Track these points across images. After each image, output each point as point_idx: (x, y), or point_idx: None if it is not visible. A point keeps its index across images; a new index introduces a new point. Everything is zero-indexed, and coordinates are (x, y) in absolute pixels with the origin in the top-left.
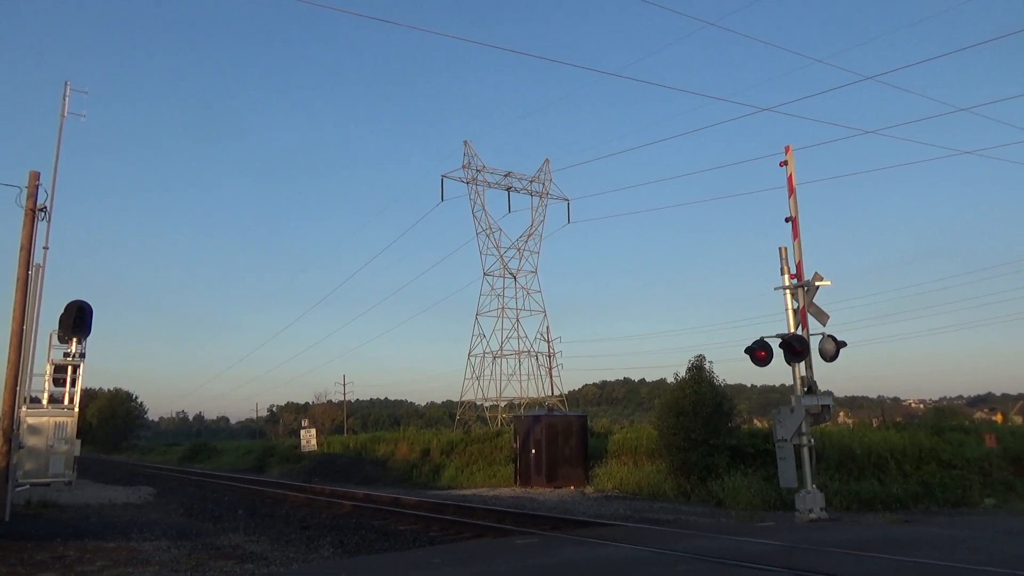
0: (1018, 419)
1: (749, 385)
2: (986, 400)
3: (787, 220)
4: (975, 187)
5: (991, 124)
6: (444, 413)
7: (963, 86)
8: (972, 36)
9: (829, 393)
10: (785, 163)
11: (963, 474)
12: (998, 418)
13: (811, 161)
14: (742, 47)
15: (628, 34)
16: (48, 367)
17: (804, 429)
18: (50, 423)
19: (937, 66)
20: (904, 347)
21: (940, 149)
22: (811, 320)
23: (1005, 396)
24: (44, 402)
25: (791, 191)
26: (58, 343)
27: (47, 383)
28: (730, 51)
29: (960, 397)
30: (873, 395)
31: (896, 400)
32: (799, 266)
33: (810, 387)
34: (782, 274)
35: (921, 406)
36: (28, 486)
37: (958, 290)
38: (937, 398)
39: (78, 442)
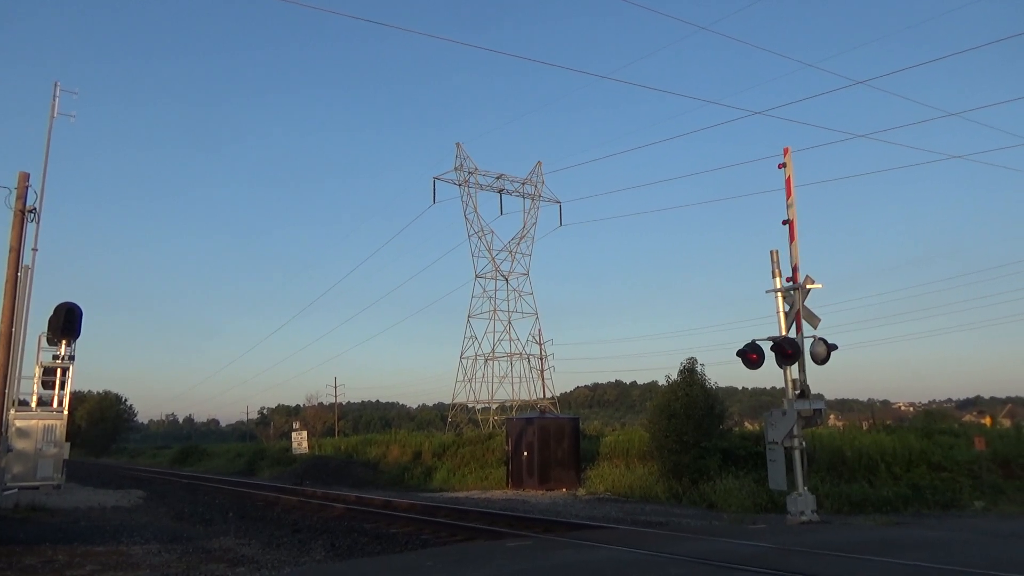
0: (1006, 422)
1: (740, 388)
2: (975, 403)
3: (784, 223)
4: (964, 191)
5: (980, 128)
6: (436, 416)
7: (953, 91)
8: (960, 42)
9: (820, 397)
10: (784, 165)
11: (952, 477)
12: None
13: (802, 164)
14: (734, 51)
15: (620, 37)
16: (37, 370)
17: (796, 432)
18: (39, 426)
19: (926, 71)
20: (894, 350)
21: (929, 153)
22: (803, 323)
23: (993, 399)
24: (33, 405)
25: (789, 193)
26: (47, 345)
27: (36, 386)
28: (722, 55)
29: (949, 400)
30: (863, 398)
31: (886, 403)
32: (795, 269)
33: (803, 391)
34: (774, 277)
35: (911, 409)
36: (16, 490)
37: (947, 294)
38: (926, 401)
39: (67, 445)
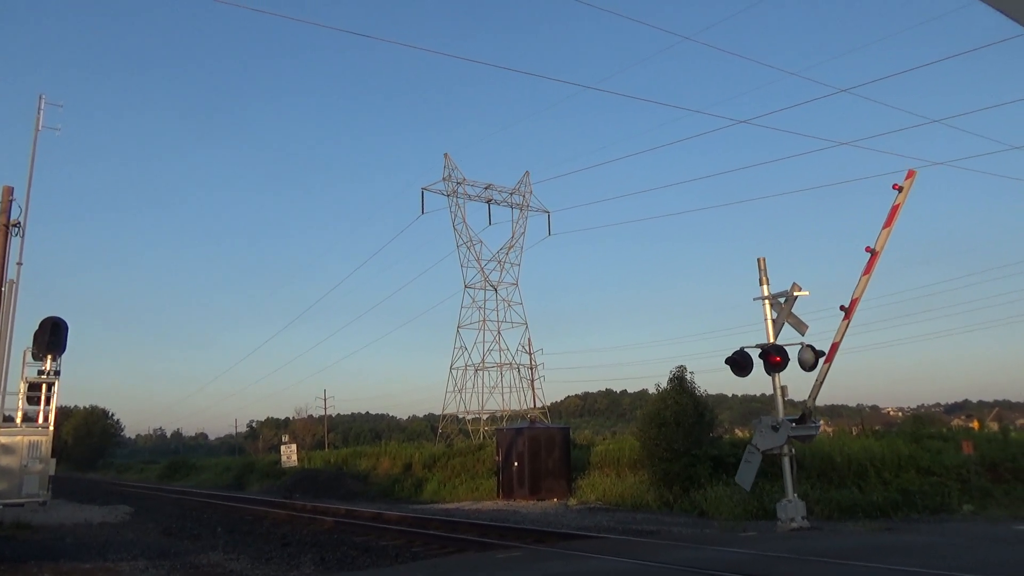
0: (994, 426)
1: (730, 395)
2: (963, 407)
3: (868, 250)
4: (949, 197)
5: (962, 135)
6: (426, 427)
7: (935, 98)
8: (941, 50)
9: (817, 424)
10: (900, 188)
11: (942, 481)
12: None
13: (786, 172)
14: (719, 61)
15: (607, 47)
16: (22, 385)
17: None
18: (24, 442)
19: (908, 79)
20: (882, 355)
21: (913, 160)
22: (789, 330)
23: (981, 403)
24: (18, 421)
25: (890, 220)
26: (32, 360)
27: (21, 401)
28: (707, 64)
29: (937, 405)
30: (852, 403)
31: (875, 408)
32: (854, 302)
33: (803, 415)
34: (761, 284)
35: (899, 414)
36: (1, 507)
37: (935, 299)
38: (915, 406)
39: (53, 461)
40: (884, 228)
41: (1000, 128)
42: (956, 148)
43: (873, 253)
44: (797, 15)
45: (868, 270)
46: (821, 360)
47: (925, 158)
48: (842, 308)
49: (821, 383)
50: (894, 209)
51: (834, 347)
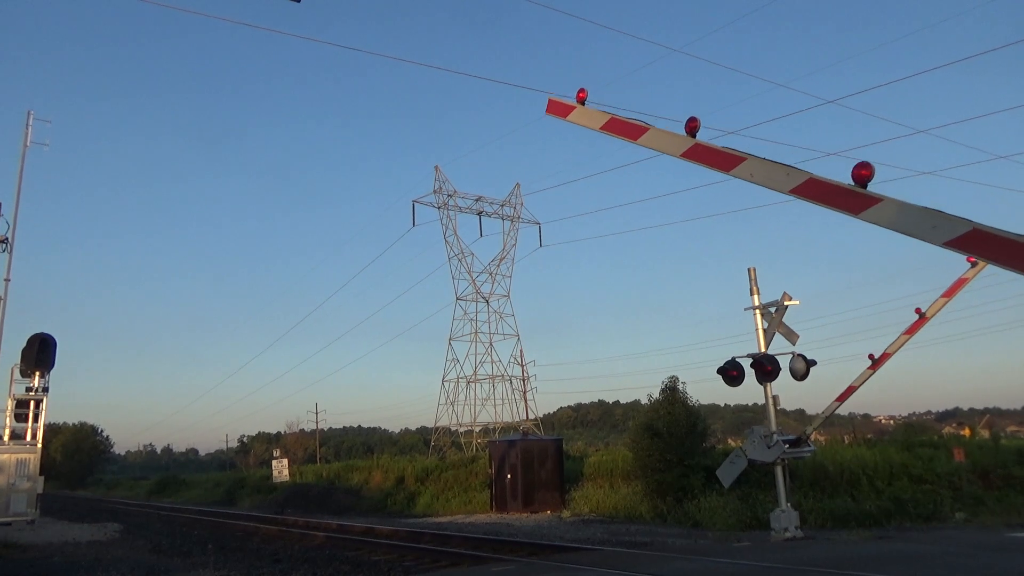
0: (985, 433)
1: (722, 405)
2: (954, 415)
3: (917, 312)
4: (937, 206)
5: (948, 145)
6: (418, 440)
7: (922, 108)
8: (928, 62)
9: (812, 448)
10: (975, 263)
11: (934, 489)
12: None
13: None
14: (708, 73)
15: (597, 59)
16: (10, 402)
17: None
18: (12, 460)
19: (896, 89)
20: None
21: (900, 170)
22: (781, 339)
23: (972, 410)
24: (5, 438)
25: (952, 292)
26: (20, 377)
27: (8, 419)
28: (696, 77)
29: (929, 412)
30: (844, 412)
31: (867, 416)
32: (886, 356)
33: (799, 439)
34: (752, 295)
35: (891, 422)
36: None
37: (925, 307)
38: (906, 414)
39: (41, 479)
40: (943, 297)
41: (986, 137)
42: (942, 158)
43: (922, 316)
44: (785, 28)
45: (912, 331)
46: (819, 373)
47: (912, 168)
48: (871, 357)
49: (827, 416)
50: (960, 282)
51: (851, 389)
